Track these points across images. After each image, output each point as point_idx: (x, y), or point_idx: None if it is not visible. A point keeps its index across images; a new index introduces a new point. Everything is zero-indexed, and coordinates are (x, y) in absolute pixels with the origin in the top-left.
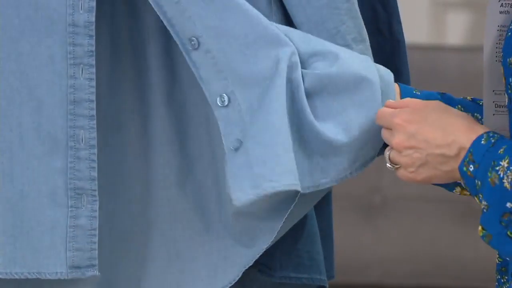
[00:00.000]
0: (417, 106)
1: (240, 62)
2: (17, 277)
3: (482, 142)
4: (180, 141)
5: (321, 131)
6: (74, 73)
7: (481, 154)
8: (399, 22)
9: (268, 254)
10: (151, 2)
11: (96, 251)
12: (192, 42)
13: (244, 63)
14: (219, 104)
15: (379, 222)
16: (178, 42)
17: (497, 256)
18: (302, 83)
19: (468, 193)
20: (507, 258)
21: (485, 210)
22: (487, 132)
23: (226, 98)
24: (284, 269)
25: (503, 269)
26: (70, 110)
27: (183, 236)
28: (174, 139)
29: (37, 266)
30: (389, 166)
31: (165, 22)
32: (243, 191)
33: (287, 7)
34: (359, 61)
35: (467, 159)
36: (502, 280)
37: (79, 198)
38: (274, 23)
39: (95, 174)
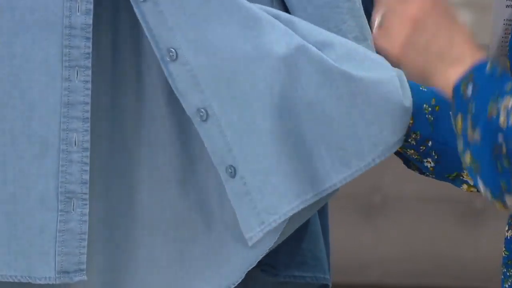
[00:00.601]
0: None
1: (220, 76)
2: (11, 280)
3: (487, 69)
4: (182, 141)
5: (340, 121)
6: (69, 75)
7: (485, 80)
8: None
9: (272, 253)
10: (135, 10)
11: (85, 256)
12: (171, 54)
13: (225, 78)
14: (199, 119)
15: (379, 222)
16: (156, 53)
17: (504, 249)
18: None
19: (474, 189)
20: (492, 192)
21: (475, 138)
22: (491, 61)
23: (204, 112)
24: (289, 268)
25: (509, 262)
26: (64, 113)
27: (185, 236)
28: (176, 139)
29: (28, 270)
30: (377, 20)
31: (145, 31)
32: (253, 230)
33: (288, 5)
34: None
35: (467, 79)
36: (508, 274)
37: (69, 202)
38: (274, 21)
39: (87, 177)
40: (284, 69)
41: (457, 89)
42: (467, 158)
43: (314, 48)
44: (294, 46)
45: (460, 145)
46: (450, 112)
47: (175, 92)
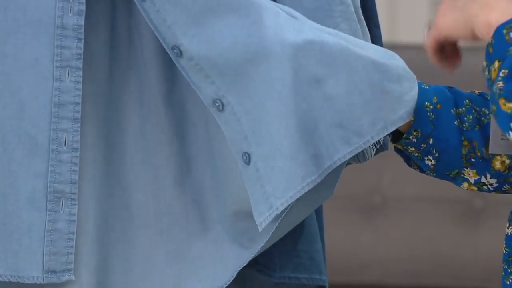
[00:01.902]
0: None
1: (225, 66)
2: (2, 279)
3: None
4: (179, 141)
5: (339, 99)
6: (60, 75)
7: None
8: (378, 27)
9: (267, 254)
10: (140, 10)
11: (73, 255)
12: (175, 51)
13: (231, 67)
14: (216, 110)
15: (379, 222)
16: (166, 50)
17: (504, 246)
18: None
19: (475, 188)
20: None
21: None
22: None
23: (219, 103)
24: (283, 269)
25: (510, 259)
26: (54, 113)
27: (181, 236)
28: (173, 139)
29: (17, 270)
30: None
31: (153, 30)
32: (262, 215)
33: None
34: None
35: (511, 23)
36: (509, 270)
37: (57, 202)
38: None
39: (76, 177)
40: (282, 50)
41: (499, 32)
42: (505, 106)
43: (312, 24)
44: (288, 27)
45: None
46: (484, 62)
47: (192, 85)
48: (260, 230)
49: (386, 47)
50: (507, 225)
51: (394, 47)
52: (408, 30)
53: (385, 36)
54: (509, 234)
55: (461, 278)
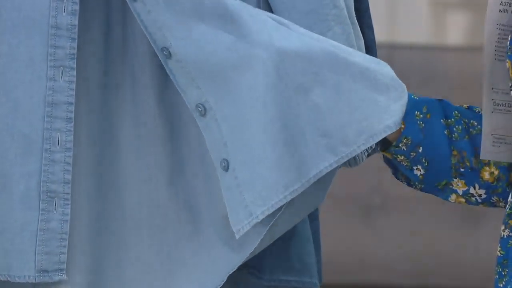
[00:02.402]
0: None
1: (210, 71)
2: None
3: None
4: (172, 142)
5: (325, 108)
6: (54, 75)
7: None
8: (370, 27)
9: (258, 257)
10: (132, 11)
11: (66, 255)
12: (164, 52)
13: (215, 72)
14: (198, 114)
15: (379, 222)
16: (156, 51)
17: (499, 249)
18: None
19: (463, 200)
20: None
21: None
22: None
23: (202, 108)
24: (274, 272)
25: (504, 261)
26: (48, 112)
27: (173, 238)
28: (166, 140)
29: (8, 269)
30: None
31: (144, 30)
32: (240, 223)
33: (273, 10)
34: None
35: None
36: (503, 273)
37: (50, 201)
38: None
39: (69, 177)
40: (268, 57)
41: None
42: None
43: (301, 31)
44: (275, 34)
45: None
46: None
47: (178, 88)
48: (237, 237)
49: (386, 47)
50: (502, 227)
51: (394, 47)
52: (408, 30)
53: (385, 36)
54: (504, 236)
55: (461, 278)
